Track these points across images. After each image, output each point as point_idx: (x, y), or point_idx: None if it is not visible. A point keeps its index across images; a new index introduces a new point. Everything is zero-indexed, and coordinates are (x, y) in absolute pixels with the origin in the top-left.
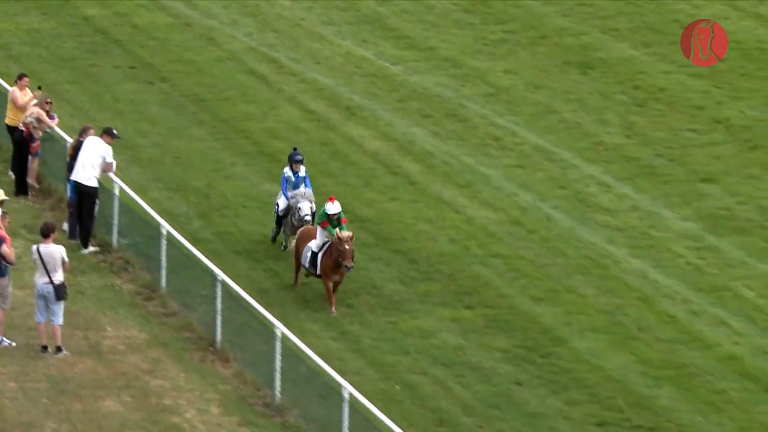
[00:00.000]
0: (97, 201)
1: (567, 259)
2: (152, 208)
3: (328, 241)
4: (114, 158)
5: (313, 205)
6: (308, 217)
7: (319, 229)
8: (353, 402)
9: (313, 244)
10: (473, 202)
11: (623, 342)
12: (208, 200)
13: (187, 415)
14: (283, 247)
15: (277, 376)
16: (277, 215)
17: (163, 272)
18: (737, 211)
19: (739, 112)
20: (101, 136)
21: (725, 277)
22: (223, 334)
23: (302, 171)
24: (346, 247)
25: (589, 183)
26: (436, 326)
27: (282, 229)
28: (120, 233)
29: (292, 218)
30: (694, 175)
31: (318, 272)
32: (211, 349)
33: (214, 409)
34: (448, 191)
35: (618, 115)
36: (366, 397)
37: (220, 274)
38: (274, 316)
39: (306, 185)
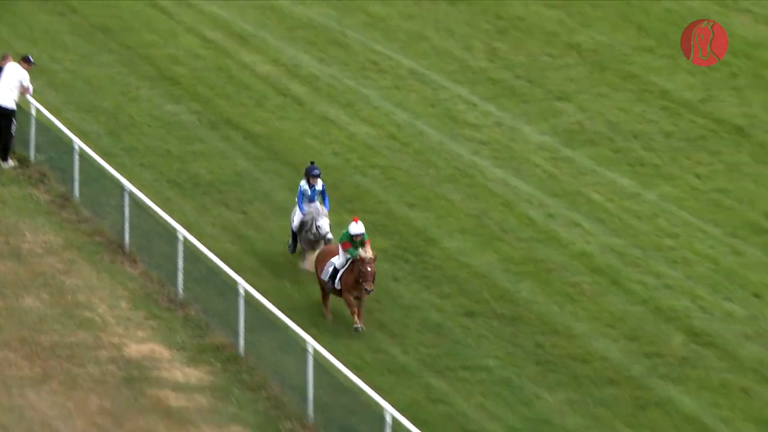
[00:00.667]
0: (15, 120)
1: (438, 169)
2: (66, 126)
3: (350, 258)
4: (31, 83)
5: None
6: (330, 235)
7: (340, 249)
8: (248, 297)
9: (336, 261)
10: (354, 120)
11: (488, 242)
12: (117, 120)
13: (100, 310)
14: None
15: (180, 275)
16: (293, 230)
17: (76, 184)
18: (587, 125)
19: (590, 38)
20: (19, 62)
21: (577, 183)
22: (131, 238)
23: (319, 185)
24: (368, 269)
25: (458, 102)
26: None
27: (298, 243)
28: (37, 149)
29: (308, 233)
30: (550, 94)
31: (338, 288)
32: (121, 251)
33: (124, 305)
34: (332, 110)
35: (482, 42)
36: (260, 293)
37: (127, 185)
38: (177, 221)
39: (324, 200)
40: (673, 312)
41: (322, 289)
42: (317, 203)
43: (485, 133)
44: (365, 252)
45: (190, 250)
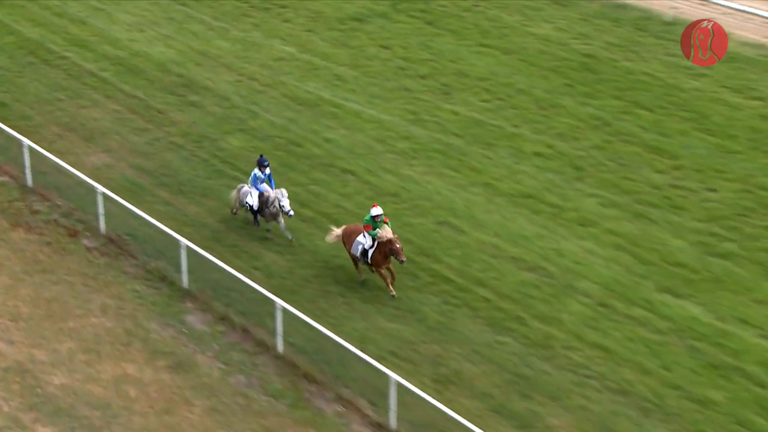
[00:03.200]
0: None
1: None
2: None
3: (376, 240)
4: None
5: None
6: (292, 212)
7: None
8: None
9: (364, 241)
10: None
11: None
12: None
13: None
14: (267, 230)
15: None
16: (252, 208)
17: None
18: None
19: None
20: None
21: None
22: None
23: (267, 171)
24: (398, 246)
25: None
26: None
27: (257, 216)
28: None
29: (272, 207)
30: None
31: (369, 262)
32: None
33: None
34: None
35: None
36: None
37: None
38: None
39: (270, 182)
40: None
41: (352, 258)
42: (265, 185)
43: None
44: (385, 231)
45: None
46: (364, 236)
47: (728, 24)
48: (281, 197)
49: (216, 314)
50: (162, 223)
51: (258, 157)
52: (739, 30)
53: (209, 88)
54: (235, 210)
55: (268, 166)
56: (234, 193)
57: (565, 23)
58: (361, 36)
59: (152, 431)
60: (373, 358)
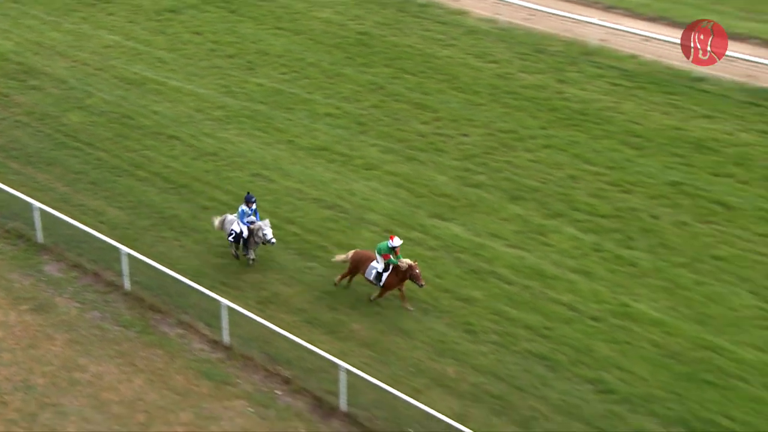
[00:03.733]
0: None
1: None
2: None
3: (391, 265)
4: None
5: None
6: (274, 240)
7: (378, 257)
8: None
9: (377, 266)
10: None
11: None
12: None
13: None
14: (250, 261)
15: None
16: (238, 238)
17: None
18: None
19: None
20: None
21: None
22: None
23: (253, 206)
24: (417, 271)
25: None
26: None
27: (242, 245)
28: None
29: (256, 237)
30: None
31: (381, 284)
32: None
33: None
34: None
35: None
36: None
37: None
38: None
39: (256, 215)
40: None
41: (348, 273)
42: (255, 218)
43: None
44: (402, 260)
45: None
46: (378, 262)
47: (465, 3)
48: (264, 227)
49: (69, 263)
50: (15, 190)
51: (246, 194)
52: (474, 9)
53: (47, 74)
54: (234, 251)
55: (254, 202)
56: (217, 222)
57: (343, 8)
58: (176, 25)
59: (20, 363)
60: (207, 288)
